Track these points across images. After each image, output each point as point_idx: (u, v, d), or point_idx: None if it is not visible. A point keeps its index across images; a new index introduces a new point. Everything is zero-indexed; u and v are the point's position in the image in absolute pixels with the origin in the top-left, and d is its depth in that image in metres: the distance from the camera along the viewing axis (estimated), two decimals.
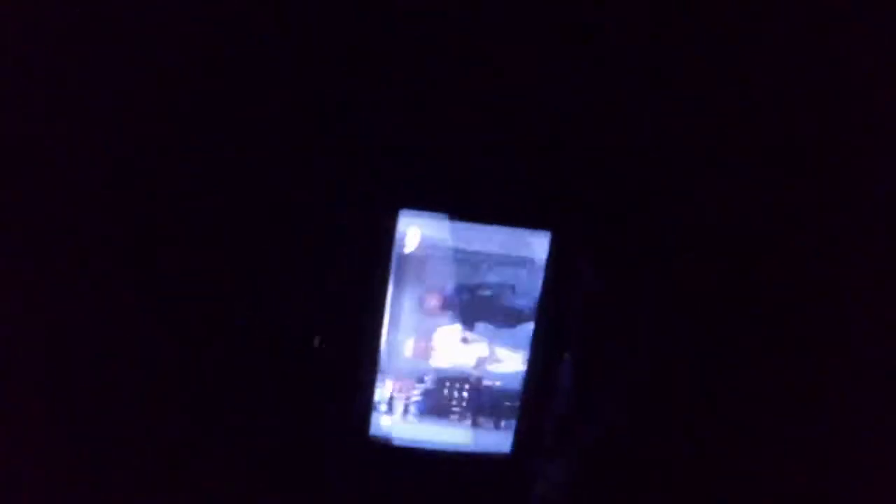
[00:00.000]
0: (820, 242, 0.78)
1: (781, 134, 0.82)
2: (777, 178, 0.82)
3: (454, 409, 0.93)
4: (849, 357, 0.77)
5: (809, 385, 0.79)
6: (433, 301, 0.90)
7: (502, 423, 0.93)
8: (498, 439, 0.94)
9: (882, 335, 0.75)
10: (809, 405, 0.79)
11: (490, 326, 0.91)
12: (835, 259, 0.77)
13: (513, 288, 0.90)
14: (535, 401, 0.92)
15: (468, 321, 0.90)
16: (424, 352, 0.92)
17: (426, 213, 0.89)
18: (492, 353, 0.92)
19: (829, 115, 0.77)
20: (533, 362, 0.92)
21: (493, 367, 0.92)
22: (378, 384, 0.92)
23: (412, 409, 0.92)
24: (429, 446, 0.93)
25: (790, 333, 0.81)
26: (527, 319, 0.91)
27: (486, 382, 0.92)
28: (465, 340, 0.91)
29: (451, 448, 0.93)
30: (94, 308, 0.80)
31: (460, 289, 0.90)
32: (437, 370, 0.92)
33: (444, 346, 0.91)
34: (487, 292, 0.90)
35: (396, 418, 0.93)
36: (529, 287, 0.90)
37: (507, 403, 0.93)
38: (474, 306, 0.90)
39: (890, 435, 0.74)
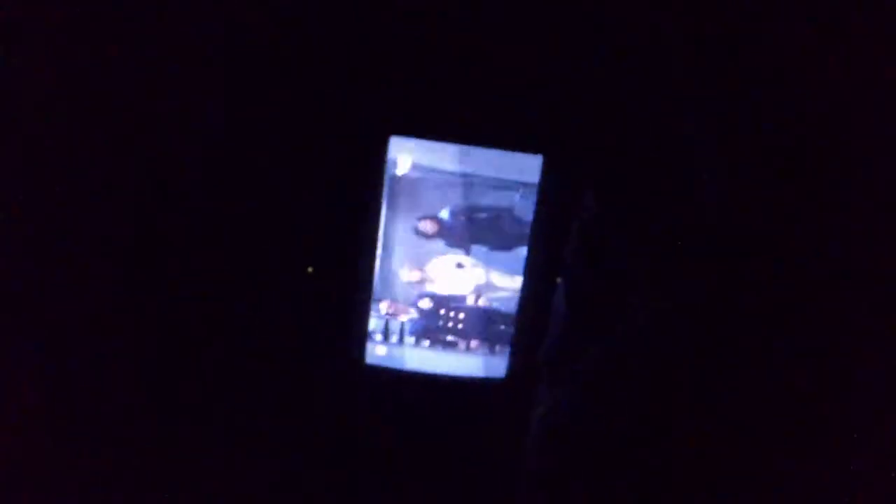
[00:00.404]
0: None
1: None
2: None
3: (449, 333, 0.92)
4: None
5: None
6: (427, 225, 0.88)
7: (497, 348, 0.93)
8: (492, 364, 0.94)
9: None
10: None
11: (486, 250, 0.90)
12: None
13: (510, 211, 0.88)
14: (529, 325, 0.92)
15: (464, 245, 0.89)
16: (419, 278, 0.90)
17: (417, 138, 0.86)
18: (487, 277, 0.91)
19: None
20: (526, 287, 0.91)
21: (488, 292, 0.92)
22: (373, 312, 0.91)
23: (407, 332, 0.92)
24: (424, 373, 0.93)
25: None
26: (523, 243, 0.90)
27: (480, 306, 0.92)
28: (460, 266, 0.90)
29: (446, 374, 0.93)
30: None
31: (455, 212, 0.88)
32: (432, 295, 0.91)
33: (440, 273, 0.90)
34: (483, 215, 0.88)
35: (392, 346, 0.92)
36: (526, 211, 0.89)
37: (502, 327, 0.93)
38: (470, 230, 0.89)
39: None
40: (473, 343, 0.93)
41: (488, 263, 0.91)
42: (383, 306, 0.91)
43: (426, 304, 0.91)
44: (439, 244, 0.89)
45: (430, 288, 0.91)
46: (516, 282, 0.91)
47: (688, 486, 0.88)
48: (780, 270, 0.84)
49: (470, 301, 0.92)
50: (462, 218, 0.89)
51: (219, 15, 0.78)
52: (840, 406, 0.80)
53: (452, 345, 0.93)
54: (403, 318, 0.91)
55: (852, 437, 0.79)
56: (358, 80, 0.84)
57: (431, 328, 0.92)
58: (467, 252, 0.90)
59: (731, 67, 0.82)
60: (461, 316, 0.92)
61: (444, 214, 0.88)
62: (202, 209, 0.83)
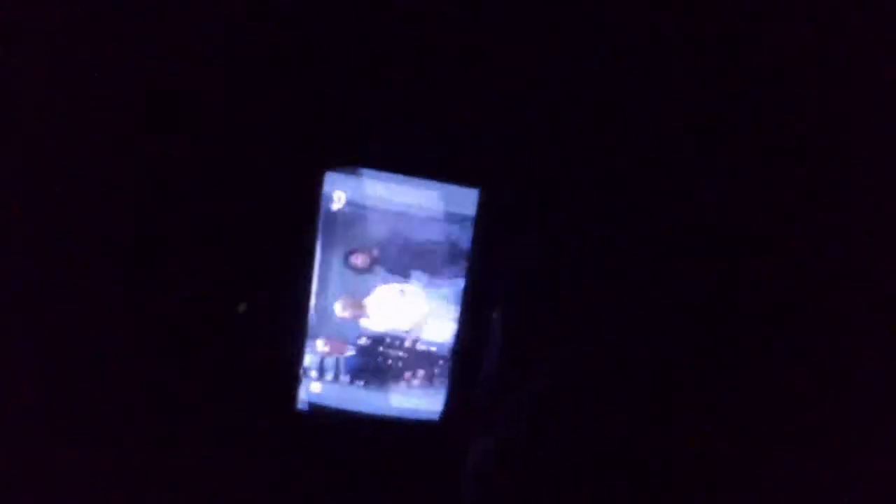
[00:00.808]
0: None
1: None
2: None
3: (386, 371, 0.88)
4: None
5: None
6: (359, 259, 0.90)
7: (435, 385, 0.87)
8: (430, 402, 0.87)
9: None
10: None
11: (423, 283, 0.89)
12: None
13: (446, 242, 0.88)
14: (465, 362, 0.86)
15: (399, 276, 0.89)
16: (356, 313, 0.90)
17: (352, 172, 0.91)
18: (426, 313, 0.88)
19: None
20: (463, 321, 0.87)
21: (426, 328, 0.88)
22: (309, 349, 0.90)
23: (342, 371, 0.89)
24: (360, 412, 0.88)
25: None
26: (461, 276, 0.88)
27: (419, 345, 0.88)
28: (400, 295, 0.89)
29: (381, 413, 0.87)
30: None
31: (389, 245, 0.89)
32: (370, 332, 0.89)
33: (378, 309, 0.89)
34: (419, 246, 0.89)
35: (326, 384, 0.89)
36: (463, 243, 0.88)
37: (441, 363, 0.87)
38: (406, 260, 0.89)
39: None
40: (412, 381, 0.87)
41: (428, 296, 0.89)
42: (319, 344, 0.90)
43: (363, 341, 0.89)
44: (374, 278, 0.89)
45: (367, 323, 0.89)
46: (455, 316, 0.87)
47: None
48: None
49: (409, 339, 0.88)
50: (397, 248, 0.89)
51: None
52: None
53: (390, 383, 0.88)
54: (339, 354, 0.89)
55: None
56: (291, 114, 0.88)
57: (369, 366, 0.88)
58: (404, 282, 0.88)
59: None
60: (400, 353, 0.88)
61: (379, 245, 0.89)
62: (134, 247, 0.87)
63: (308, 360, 0.90)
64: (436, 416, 0.88)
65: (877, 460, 0.76)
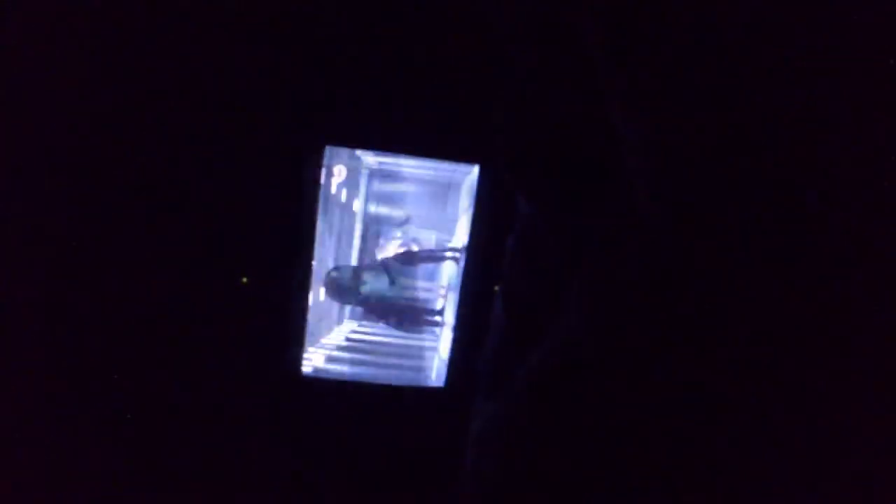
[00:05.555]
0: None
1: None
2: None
3: (385, 343, 0.90)
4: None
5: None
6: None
7: (439, 352, 0.89)
8: (430, 375, 0.89)
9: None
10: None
11: (424, 255, 0.90)
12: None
13: (446, 216, 0.89)
14: (467, 334, 0.87)
15: (401, 248, 0.90)
16: (357, 282, 0.91)
17: (352, 148, 0.92)
18: (427, 285, 0.90)
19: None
20: (464, 295, 0.89)
21: (428, 299, 0.90)
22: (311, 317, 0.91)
23: (344, 342, 0.90)
24: (362, 382, 0.89)
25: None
26: (462, 249, 0.90)
27: (421, 315, 0.90)
28: (401, 265, 0.90)
29: (384, 383, 0.89)
30: None
31: (391, 215, 0.90)
32: (372, 301, 0.90)
33: (379, 278, 0.90)
34: (420, 219, 0.90)
35: (328, 355, 0.91)
36: (464, 217, 0.90)
37: (444, 334, 0.89)
38: (406, 233, 0.90)
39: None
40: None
41: (429, 270, 0.90)
42: (322, 309, 0.90)
43: (366, 308, 0.90)
44: (377, 247, 0.90)
45: (367, 291, 0.90)
46: (457, 288, 0.89)
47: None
48: (721, 270, 0.78)
49: (411, 309, 0.90)
50: (398, 224, 0.90)
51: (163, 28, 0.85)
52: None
53: (391, 354, 0.90)
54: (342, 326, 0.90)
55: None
56: (294, 90, 0.87)
57: (368, 338, 0.90)
58: (406, 253, 0.90)
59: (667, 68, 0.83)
60: (402, 323, 0.90)
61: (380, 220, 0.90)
62: (137, 223, 0.87)
63: (310, 329, 0.91)
64: (437, 387, 0.90)
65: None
